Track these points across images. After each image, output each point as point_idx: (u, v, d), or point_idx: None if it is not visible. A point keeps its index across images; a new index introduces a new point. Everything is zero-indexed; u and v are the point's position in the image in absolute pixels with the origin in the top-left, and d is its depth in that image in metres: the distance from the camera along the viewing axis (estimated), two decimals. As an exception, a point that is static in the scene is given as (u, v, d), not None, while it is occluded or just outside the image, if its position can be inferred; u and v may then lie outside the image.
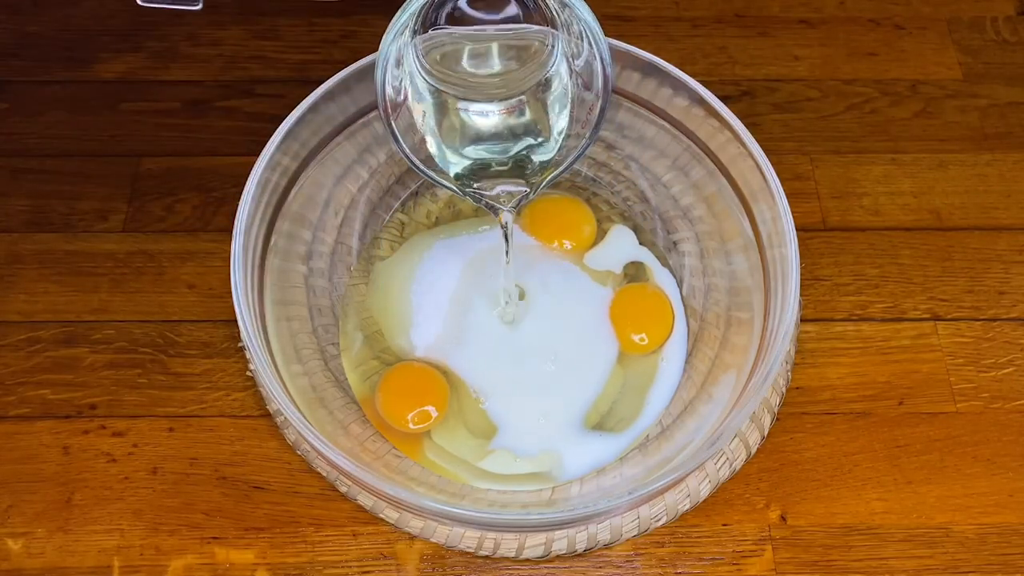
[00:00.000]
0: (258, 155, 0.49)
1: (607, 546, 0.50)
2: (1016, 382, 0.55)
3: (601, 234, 0.58)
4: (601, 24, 0.42)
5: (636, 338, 0.55)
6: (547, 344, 0.55)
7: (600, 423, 0.53)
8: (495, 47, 0.44)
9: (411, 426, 0.52)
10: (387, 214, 0.58)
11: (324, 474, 0.51)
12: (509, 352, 0.54)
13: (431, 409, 0.52)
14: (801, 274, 0.53)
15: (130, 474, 0.52)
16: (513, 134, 0.46)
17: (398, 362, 0.54)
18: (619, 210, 0.59)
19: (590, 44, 0.43)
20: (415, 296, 0.56)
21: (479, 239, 0.58)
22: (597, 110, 0.44)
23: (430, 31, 0.43)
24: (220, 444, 0.53)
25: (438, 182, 0.46)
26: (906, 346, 0.56)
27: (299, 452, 0.52)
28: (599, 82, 0.44)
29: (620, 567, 0.50)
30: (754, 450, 0.52)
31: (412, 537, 0.51)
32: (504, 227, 0.49)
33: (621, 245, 0.58)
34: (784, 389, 0.54)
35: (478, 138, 0.46)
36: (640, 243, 0.58)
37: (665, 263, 0.57)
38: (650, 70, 0.52)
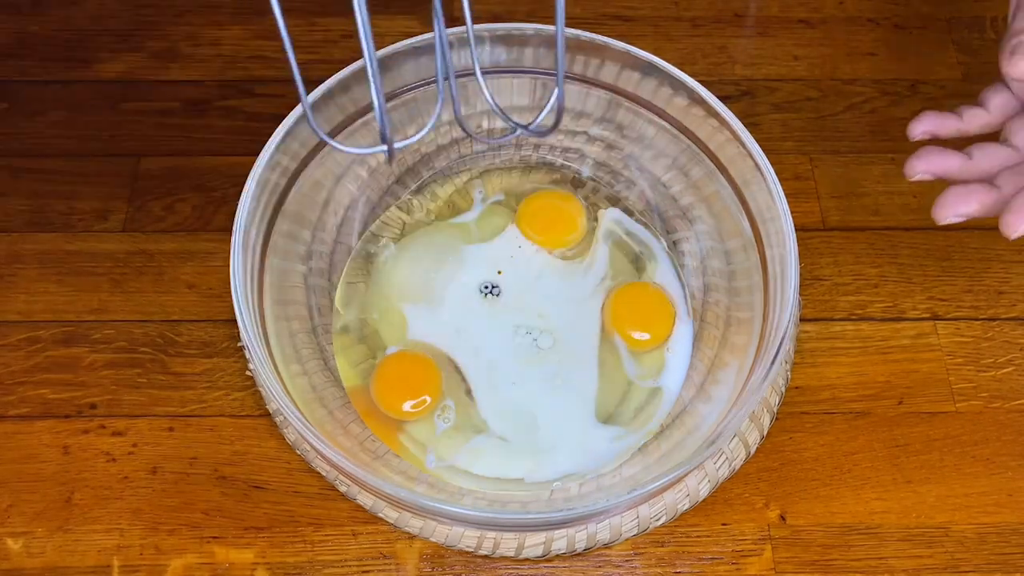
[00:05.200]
0: (258, 155, 0.49)
1: (607, 545, 0.50)
2: (1015, 381, 0.55)
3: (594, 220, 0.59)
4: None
5: (638, 335, 0.55)
6: (546, 339, 0.55)
7: (611, 417, 0.53)
8: None
9: (404, 410, 0.52)
10: (386, 213, 0.58)
11: (324, 474, 0.51)
12: (507, 348, 0.55)
13: (426, 397, 0.53)
14: (801, 274, 0.53)
15: (130, 474, 0.52)
16: None
17: (392, 353, 0.54)
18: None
19: None
20: (412, 293, 0.56)
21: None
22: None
23: None
24: (220, 444, 0.53)
25: None
26: (905, 346, 0.56)
27: (299, 452, 0.52)
28: None
29: (620, 566, 0.50)
30: (753, 449, 0.52)
31: (412, 537, 0.51)
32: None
33: (612, 229, 0.59)
34: (783, 388, 0.54)
35: None
36: (630, 230, 0.58)
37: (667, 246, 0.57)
38: (650, 70, 0.52)
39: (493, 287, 0.56)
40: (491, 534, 0.49)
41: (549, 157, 0.60)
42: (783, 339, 0.46)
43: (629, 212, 0.59)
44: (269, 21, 0.68)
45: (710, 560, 0.51)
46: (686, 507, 0.51)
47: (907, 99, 0.65)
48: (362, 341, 0.55)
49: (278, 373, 0.47)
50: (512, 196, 0.59)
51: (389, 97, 0.54)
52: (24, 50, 0.66)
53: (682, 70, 0.52)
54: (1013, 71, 0.45)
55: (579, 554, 0.50)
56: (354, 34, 0.67)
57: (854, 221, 0.60)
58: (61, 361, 0.55)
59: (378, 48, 0.50)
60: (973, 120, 0.48)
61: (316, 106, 0.51)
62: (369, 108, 0.54)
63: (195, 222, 0.60)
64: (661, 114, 0.54)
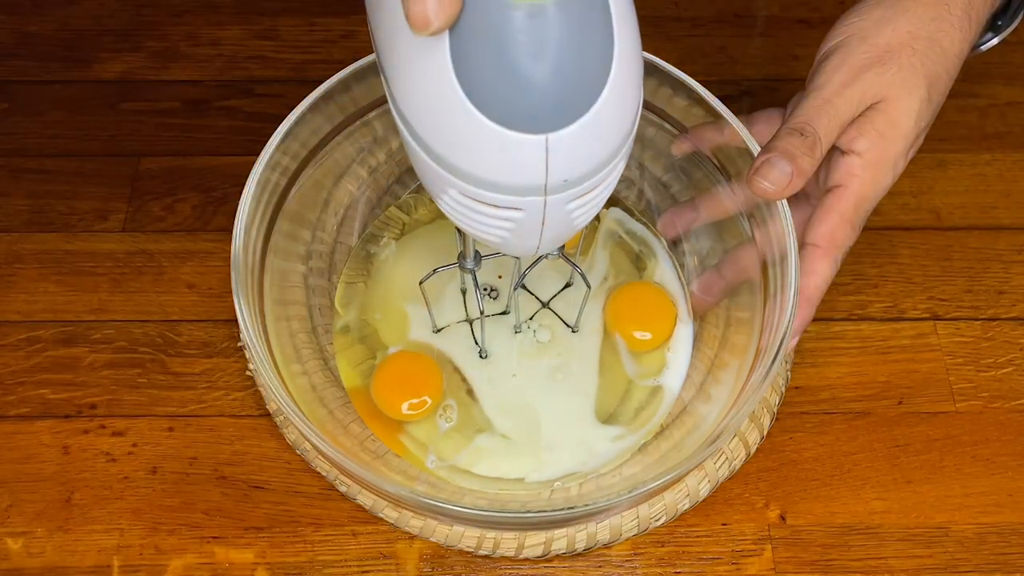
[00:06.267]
0: (258, 155, 0.49)
1: (606, 545, 0.50)
2: (1015, 382, 0.55)
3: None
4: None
5: (639, 335, 0.55)
6: (543, 333, 0.55)
7: (611, 417, 0.53)
8: None
9: (404, 412, 0.52)
10: (386, 213, 0.58)
11: (324, 474, 0.51)
12: (508, 348, 0.55)
13: (426, 398, 0.53)
14: (800, 274, 0.52)
15: (130, 474, 0.52)
16: None
17: (393, 353, 0.54)
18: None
19: None
20: (413, 293, 0.56)
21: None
22: None
23: None
24: (220, 444, 0.53)
25: None
26: (905, 346, 0.56)
27: (299, 452, 0.52)
28: None
29: (619, 566, 0.50)
30: (753, 449, 0.52)
31: (412, 536, 0.51)
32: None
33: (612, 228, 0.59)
34: (783, 388, 0.54)
35: None
36: (630, 229, 0.58)
37: (667, 248, 0.57)
38: (650, 70, 0.52)
39: (492, 289, 0.56)
40: (491, 534, 0.49)
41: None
42: (783, 339, 0.46)
43: (629, 212, 0.59)
44: (269, 21, 0.69)
45: (710, 560, 0.51)
46: (686, 507, 0.51)
47: (907, 99, 0.65)
48: (362, 341, 0.55)
49: (278, 373, 0.47)
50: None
51: (378, 103, 0.53)
52: (24, 50, 0.66)
53: (682, 70, 0.51)
54: (754, 189, 0.47)
55: (579, 554, 0.50)
56: (353, 34, 0.67)
57: (854, 221, 0.60)
58: (61, 361, 0.55)
59: (368, 54, 0.50)
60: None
61: (316, 106, 0.51)
62: (369, 108, 0.54)
63: (195, 222, 0.60)
64: (661, 114, 0.54)
